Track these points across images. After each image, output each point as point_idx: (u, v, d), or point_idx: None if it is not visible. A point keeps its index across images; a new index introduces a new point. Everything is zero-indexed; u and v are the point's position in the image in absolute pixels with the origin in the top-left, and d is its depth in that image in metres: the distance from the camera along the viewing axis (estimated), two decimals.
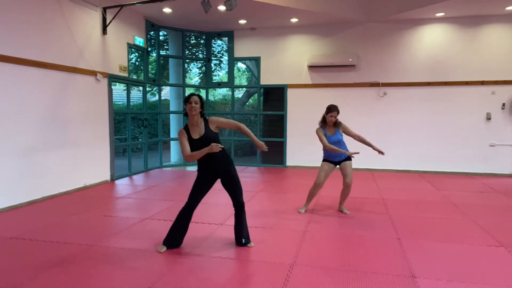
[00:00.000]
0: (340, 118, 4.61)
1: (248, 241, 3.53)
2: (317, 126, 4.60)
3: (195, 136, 3.26)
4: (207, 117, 3.37)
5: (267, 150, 3.34)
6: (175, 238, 3.43)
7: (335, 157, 4.52)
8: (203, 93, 9.57)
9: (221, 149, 3.08)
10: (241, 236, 3.49)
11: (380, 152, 4.42)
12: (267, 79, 8.67)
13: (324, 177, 4.57)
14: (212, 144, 3.11)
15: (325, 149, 4.57)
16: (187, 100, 3.28)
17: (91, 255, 3.27)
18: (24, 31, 4.95)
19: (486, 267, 3.06)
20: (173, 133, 9.55)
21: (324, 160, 4.61)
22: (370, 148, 4.49)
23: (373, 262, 3.15)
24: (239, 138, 9.58)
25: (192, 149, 3.22)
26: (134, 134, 10.87)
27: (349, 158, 4.55)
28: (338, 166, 4.60)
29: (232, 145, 9.14)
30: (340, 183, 4.84)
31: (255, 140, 3.37)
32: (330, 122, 4.48)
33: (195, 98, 3.28)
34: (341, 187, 4.71)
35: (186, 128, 3.31)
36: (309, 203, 4.80)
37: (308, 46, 8.34)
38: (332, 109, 4.45)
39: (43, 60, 5.25)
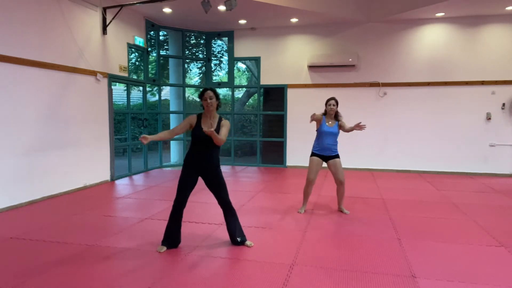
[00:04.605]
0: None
1: (244, 239, 3.53)
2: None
3: (205, 126, 3.29)
4: (223, 119, 3.40)
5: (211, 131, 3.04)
6: (172, 237, 3.45)
7: (324, 151, 4.56)
8: None
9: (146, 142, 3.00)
10: (235, 235, 3.50)
11: (362, 126, 4.32)
12: (267, 79, 8.67)
13: (314, 173, 4.61)
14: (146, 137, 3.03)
15: (316, 139, 4.64)
16: (201, 96, 3.32)
17: (91, 255, 3.27)
18: (24, 31, 4.95)
19: (486, 267, 3.06)
20: None
21: (312, 154, 4.64)
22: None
23: (373, 262, 3.15)
24: (239, 138, 9.58)
25: (197, 137, 3.28)
26: (134, 134, 10.85)
27: (337, 155, 4.60)
28: (326, 164, 4.64)
29: (232, 145, 9.14)
30: None
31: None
32: (331, 111, 4.54)
33: (209, 93, 3.31)
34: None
35: (199, 116, 3.37)
36: (306, 202, 4.80)
37: (308, 46, 8.34)
38: (330, 99, 4.58)
39: (43, 60, 5.25)
